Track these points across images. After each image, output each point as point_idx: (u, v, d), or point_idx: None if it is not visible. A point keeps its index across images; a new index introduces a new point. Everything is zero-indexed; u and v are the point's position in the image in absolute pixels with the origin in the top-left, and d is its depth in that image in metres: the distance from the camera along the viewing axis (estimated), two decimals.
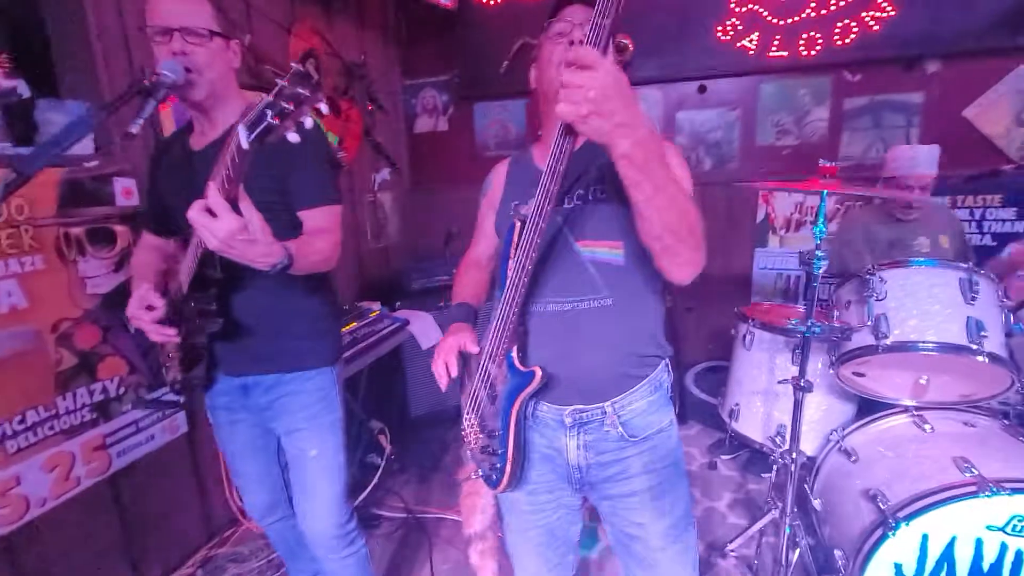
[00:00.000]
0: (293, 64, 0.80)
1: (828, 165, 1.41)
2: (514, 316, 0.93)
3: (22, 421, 1.49)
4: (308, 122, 0.77)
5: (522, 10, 2.90)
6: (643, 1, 2.69)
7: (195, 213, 0.92)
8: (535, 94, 1.04)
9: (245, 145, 0.80)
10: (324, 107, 0.77)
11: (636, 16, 2.70)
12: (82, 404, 1.63)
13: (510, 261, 0.92)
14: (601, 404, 0.96)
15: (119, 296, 1.72)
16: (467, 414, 1.05)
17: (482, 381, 1.01)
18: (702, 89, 2.79)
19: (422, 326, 2.36)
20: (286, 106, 0.75)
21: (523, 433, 0.99)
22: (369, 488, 2.14)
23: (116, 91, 1.71)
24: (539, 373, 0.92)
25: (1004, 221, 2.49)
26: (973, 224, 2.51)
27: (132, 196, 1.73)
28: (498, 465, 0.99)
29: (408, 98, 3.30)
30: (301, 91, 0.74)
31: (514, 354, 0.95)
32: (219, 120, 1.22)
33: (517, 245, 0.91)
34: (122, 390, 1.74)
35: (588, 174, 0.98)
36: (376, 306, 2.44)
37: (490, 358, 0.98)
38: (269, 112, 0.76)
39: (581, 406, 0.97)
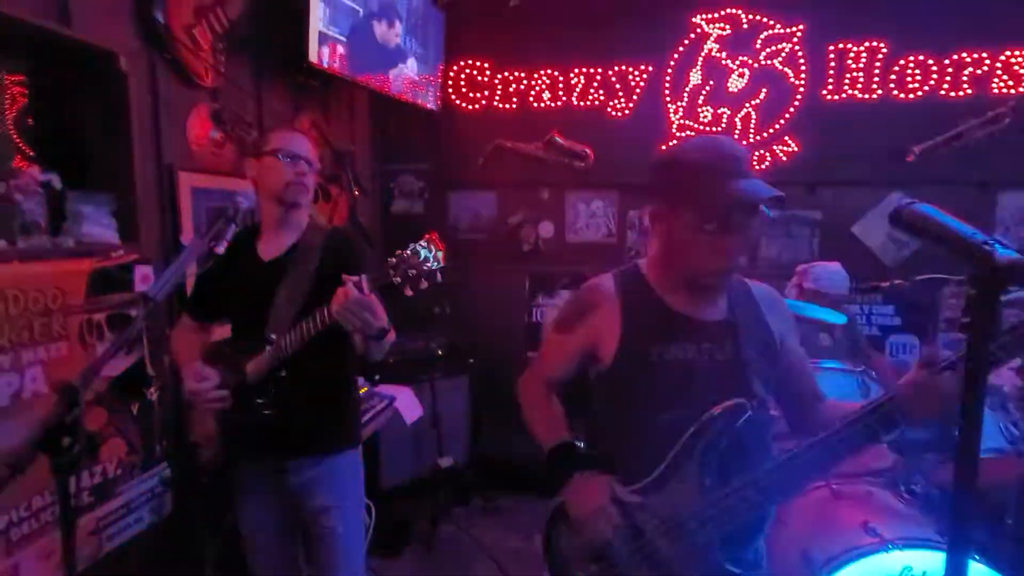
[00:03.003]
0: (418, 243, 1.03)
1: None
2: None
3: (28, 507, 1.50)
4: (424, 284, 1.01)
5: (497, 116, 3.32)
6: (605, 126, 3.19)
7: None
8: (658, 243, 1.06)
9: (366, 291, 1.03)
10: (439, 277, 1.01)
11: (602, 136, 3.18)
12: (83, 488, 1.65)
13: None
14: None
15: (127, 378, 1.78)
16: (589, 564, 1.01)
17: (644, 552, 0.97)
18: None
19: (406, 401, 2.51)
20: (410, 272, 0.99)
21: None
22: None
23: (146, 183, 1.85)
24: None
25: (886, 315, 3.09)
26: (863, 317, 3.08)
27: (150, 281, 1.84)
28: None
29: (387, 182, 3.57)
30: (428, 266, 0.98)
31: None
32: (289, 231, 1.43)
33: None
34: (119, 471, 1.77)
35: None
36: (360, 380, 2.57)
37: (672, 536, 0.96)
38: (392, 272, 1.00)
39: None
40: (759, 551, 1.09)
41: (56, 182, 1.69)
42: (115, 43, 1.72)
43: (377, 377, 2.82)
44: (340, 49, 2.49)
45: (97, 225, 1.74)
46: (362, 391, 2.38)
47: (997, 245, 0.51)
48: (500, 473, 3.08)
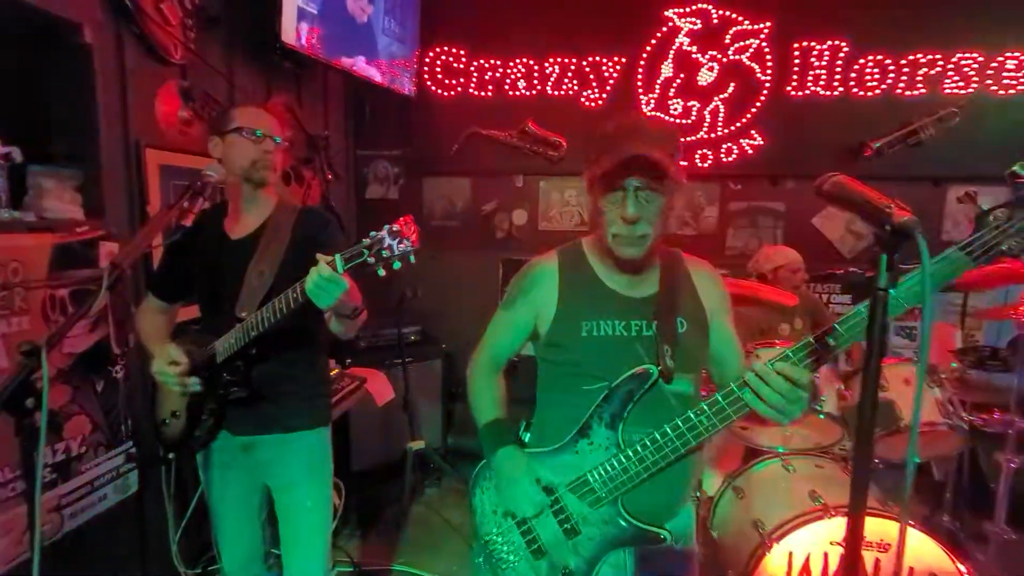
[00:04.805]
0: (392, 225, 1.05)
1: None
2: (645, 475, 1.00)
3: None
4: (397, 265, 1.03)
5: (472, 103, 3.34)
6: (579, 116, 3.23)
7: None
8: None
9: (340, 271, 1.05)
10: (413, 258, 1.03)
11: (576, 126, 3.22)
12: (45, 464, 1.63)
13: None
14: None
15: (92, 355, 1.76)
16: (503, 532, 1.11)
17: (553, 509, 1.06)
18: None
19: (376, 384, 2.54)
20: (383, 253, 1.01)
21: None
22: None
23: (112, 159, 1.83)
24: (670, 537, 1.02)
25: (844, 304, 3.23)
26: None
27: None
28: None
29: (361, 167, 3.55)
30: (402, 247, 1.00)
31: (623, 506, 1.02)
32: (258, 209, 1.43)
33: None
34: (83, 449, 1.75)
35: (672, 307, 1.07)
36: (331, 364, 2.57)
37: (578, 493, 1.04)
38: (366, 252, 1.02)
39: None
40: (686, 524, 1.16)
41: (16, 155, 1.66)
42: (80, 14, 1.69)
43: (349, 361, 2.83)
44: (316, 26, 2.46)
45: (60, 200, 1.71)
46: (332, 372, 2.39)
47: (893, 208, 0.57)
48: (471, 456, 3.12)
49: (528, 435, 1.22)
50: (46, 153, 1.77)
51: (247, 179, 1.38)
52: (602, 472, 1.02)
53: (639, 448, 1.00)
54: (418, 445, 2.83)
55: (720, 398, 0.94)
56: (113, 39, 1.81)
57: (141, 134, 1.91)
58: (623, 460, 1.01)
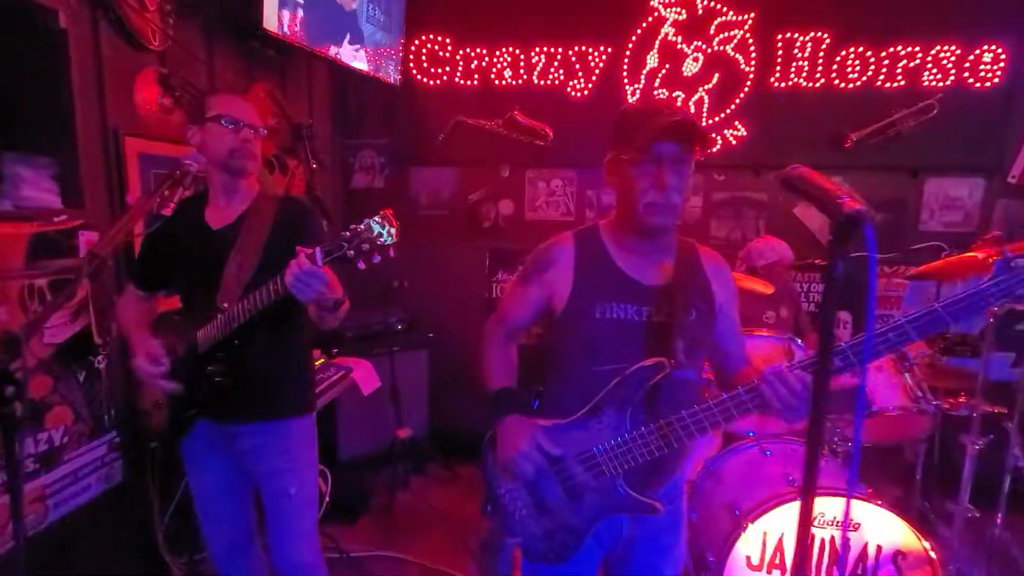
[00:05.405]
0: (373, 219, 1.06)
1: None
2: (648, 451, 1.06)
3: None
4: (377, 258, 1.04)
5: (458, 91, 3.32)
6: (565, 106, 3.24)
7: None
8: (616, 192, 1.15)
9: (319, 263, 1.05)
10: (392, 252, 1.04)
11: (562, 116, 3.23)
12: (27, 454, 1.63)
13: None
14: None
15: (73, 345, 1.75)
16: (512, 490, 1.16)
17: (560, 475, 1.12)
18: None
19: (363, 373, 2.55)
20: (363, 246, 1.02)
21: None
22: None
23: (90, 147, 1.80)
24: (662, 509, 1.09)
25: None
26: (801, 296, 3.27)
27: None
28: (564, 554, 1.14)
29: (346, 156, 3.53)
30: (382, 241, 1.01)
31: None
32: (238, 199, 1.43)
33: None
34: (66, 439, 1.75)
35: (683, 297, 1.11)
36: (316, 353, 2.58)
37: (584, 465, 1.10)
38: (345, 246, 1.03)
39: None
40: (677, 487, 1.23)
41: None
42: None
43: (335, 350, 2.84)
44: (300, 14, 2.43)
45: (37, 189, 1.69)
46: (319, 362, 2.40)
47: (846, 198, 0.60)
48: (458, 444, 3.15)
49: (536, 406, 1.26)
50: (21, 141, 1.74)
51: (226, 168, 1.38)
52: (608, 450, 1.08)
53: (645, 433, 1.06)
54: (406, 434, 2.85)
55: (727, 397, 1.00)
56: (89, 25, 1.77)
57: (119, 122, 1.89)
58: (629, 442, 1.07)
